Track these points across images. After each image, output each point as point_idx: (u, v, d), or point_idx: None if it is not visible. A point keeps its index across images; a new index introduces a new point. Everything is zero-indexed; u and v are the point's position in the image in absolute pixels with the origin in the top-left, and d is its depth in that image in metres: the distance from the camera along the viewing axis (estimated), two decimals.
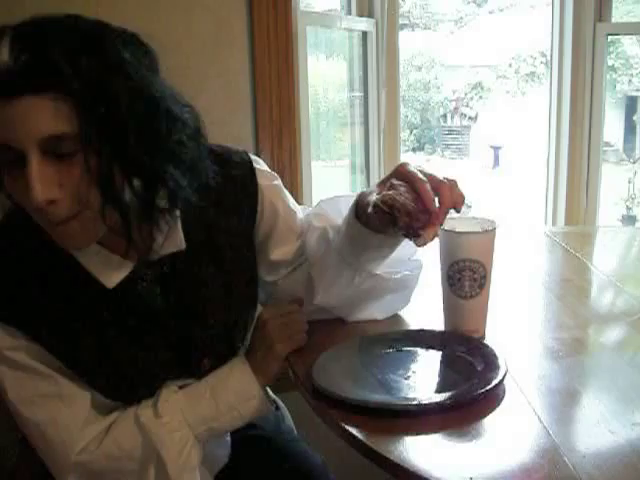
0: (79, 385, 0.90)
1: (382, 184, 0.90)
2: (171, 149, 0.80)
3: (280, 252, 1.05)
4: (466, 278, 0.98)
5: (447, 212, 0.87)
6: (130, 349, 0.91)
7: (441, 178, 0.87)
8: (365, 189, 0.96)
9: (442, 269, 1.00)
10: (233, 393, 0.94)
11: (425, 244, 0.86)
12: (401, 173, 0.88)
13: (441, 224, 0.87)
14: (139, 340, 0.92)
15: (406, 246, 1.01)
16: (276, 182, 1.05)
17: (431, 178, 0.87)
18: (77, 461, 0.89)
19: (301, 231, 1.06)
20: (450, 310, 1.02)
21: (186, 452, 0.91)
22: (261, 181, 1.02)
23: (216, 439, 0.99)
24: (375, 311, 1.07)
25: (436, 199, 0.86)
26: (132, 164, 0.76)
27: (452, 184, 0.87)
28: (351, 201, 0.96)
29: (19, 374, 0.87)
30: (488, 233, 0.98)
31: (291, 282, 1.06)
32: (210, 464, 1.00)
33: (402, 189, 0.86)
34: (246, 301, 1.05)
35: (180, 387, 0.95)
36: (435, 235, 0.86)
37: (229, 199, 0.98)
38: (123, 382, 0.93)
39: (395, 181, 0.88)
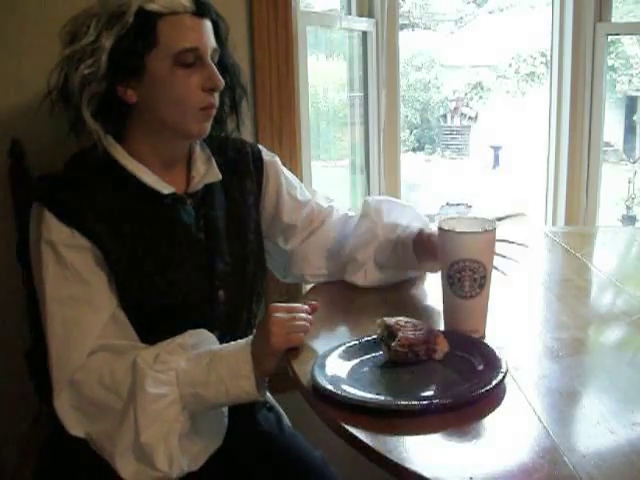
0: (109, 298, 1.03)
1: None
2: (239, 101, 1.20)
3: (289, 217, 1.27)
4: (466, 278, 0.98)
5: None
6: (165, 261, 1.08)
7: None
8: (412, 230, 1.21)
9: (442, 269, 1.01)
10: (227, 367, 0.97)
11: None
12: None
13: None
14: (173, 255, 1.09)
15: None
16: (276, 159, 1.30)
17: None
18: (74, 380, 0.97)
19: (305, 202, 1.29)
20: (450, 310, 1.02)
21: (163, 404, 0.94)
22: (265, 157, 1.27)
23: (202, 410, 0.99)
24: (361, 275, 1.25)
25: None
26: (235, 89, 1.17)
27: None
28: (407, 215, 1.26)
29: (62, 272, 1.01)
30: (488, 233, 0.98)
31: (303, 249, 1.28)
32: (206, 438, 1.00)
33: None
34: (256, 261, 1.22)
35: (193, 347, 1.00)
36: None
37: (242, 167, 1.23)
38: (153, 294, 1.06)
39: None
